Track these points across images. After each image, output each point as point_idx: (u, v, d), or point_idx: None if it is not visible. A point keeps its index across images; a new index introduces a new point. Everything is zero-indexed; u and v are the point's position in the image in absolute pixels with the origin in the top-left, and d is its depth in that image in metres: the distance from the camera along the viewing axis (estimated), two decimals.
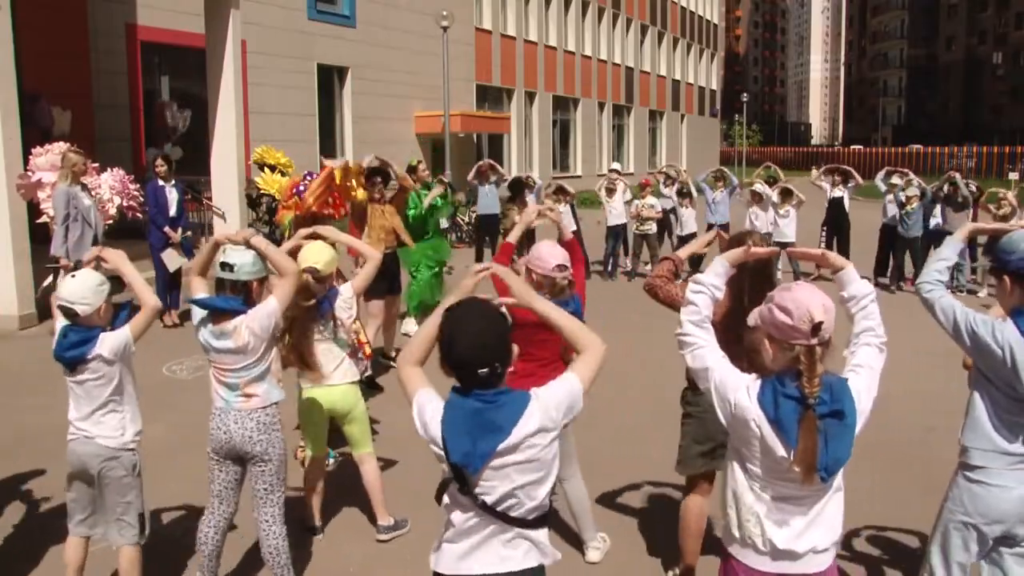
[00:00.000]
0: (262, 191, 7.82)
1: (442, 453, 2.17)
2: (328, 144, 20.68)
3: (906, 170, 13.21)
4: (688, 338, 2.41)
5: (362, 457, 4.31)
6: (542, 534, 2.27)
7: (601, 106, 36.76)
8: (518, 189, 12.85)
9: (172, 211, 9.28)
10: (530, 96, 30.69)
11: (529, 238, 12.17)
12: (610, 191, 13.25)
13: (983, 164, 41.13)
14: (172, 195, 9.30)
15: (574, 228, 12.62)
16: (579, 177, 31.57)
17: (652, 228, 12.96)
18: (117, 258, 3.43)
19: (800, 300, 2.17)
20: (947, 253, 3.05)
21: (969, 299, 10.76)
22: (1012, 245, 2.81)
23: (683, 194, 13.02)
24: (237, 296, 3.39)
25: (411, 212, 7.97)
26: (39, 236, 9.22)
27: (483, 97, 27.44)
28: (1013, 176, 24.57)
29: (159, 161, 9.43)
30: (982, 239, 10.66)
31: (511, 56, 29.29)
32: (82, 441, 3.32)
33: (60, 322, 3.30)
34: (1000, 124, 68.31)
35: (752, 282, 3.12)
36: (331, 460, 5.12)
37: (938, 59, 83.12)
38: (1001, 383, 2.77)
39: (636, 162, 38.98)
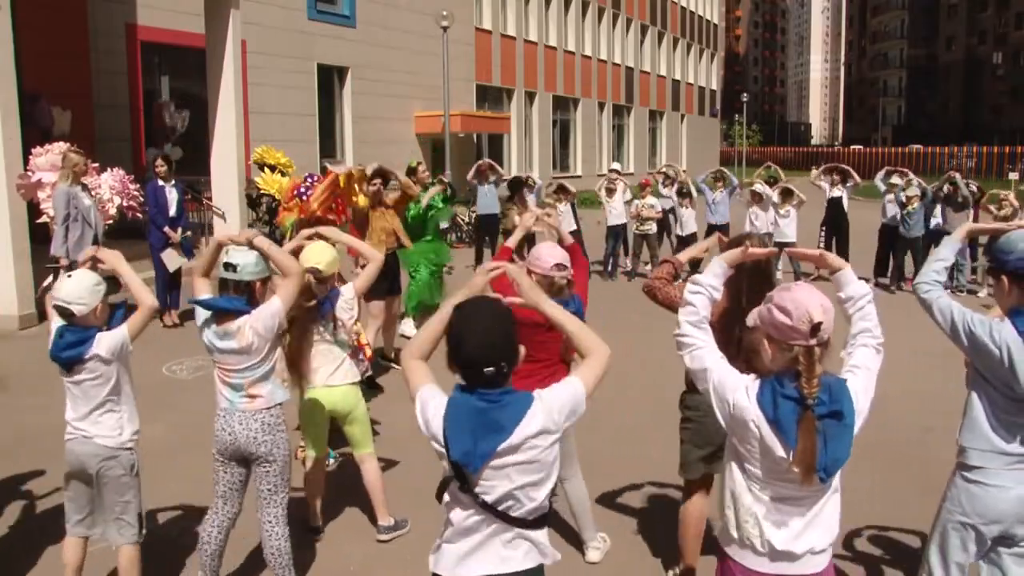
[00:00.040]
0: (262, 191, 7.82)
1: (443, 450, 2.18)
2: (328, 144, 20.69)
3: (905, 170, 13.21)
4: (686, 339, 2.42)
5: (363, 457, 4.31)
6: (542, 534, 2.27)
7: (601, 106, 36.77)
8: (517, 188, 12.86)
9: (172, 211, 9.28)
10: (530, 96, 30.69)
11: (529, 242, 12.21)
12: (610, 191, 13.25)
13: (983, 164, 41.13)
14: (172, 195, 9.30)
15: (574, 228, 12.63)
16: (579, 177, 31.56)
17: (652, 228, 12.96)
18: (113, 258, 3.43)
19: (799, 301, 2.18)
20: (945, 253, 3.06)
21: (969, 299, 10.76)
22: (1010, 245, 2.82)
23: (683, 194, 13.01)
24: (240, 296, 3.39)
25: (410, 213, 7.97)
26: (39, 236, 9.22)
27: (483, 97, 27.45)
28: (1013, 176, 24.59)
29: (159, 161, 9.43)
30: (983, 239, 10.66)
31: (511, 56, 29.29)
32: (80, 441, 3.32)
33: (56, 322, 3.30)
34: (1000, 124, 68.31)
35: (750, 283, 3.12)
36: (331, 460, 5.12)
37: (938, 59, 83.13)
38: (999, 383, 2.77)
39: (636, 162, 38.98)
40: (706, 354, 2.37)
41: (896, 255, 11.95)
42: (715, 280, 2.51)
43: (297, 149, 14.68)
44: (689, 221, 12.93)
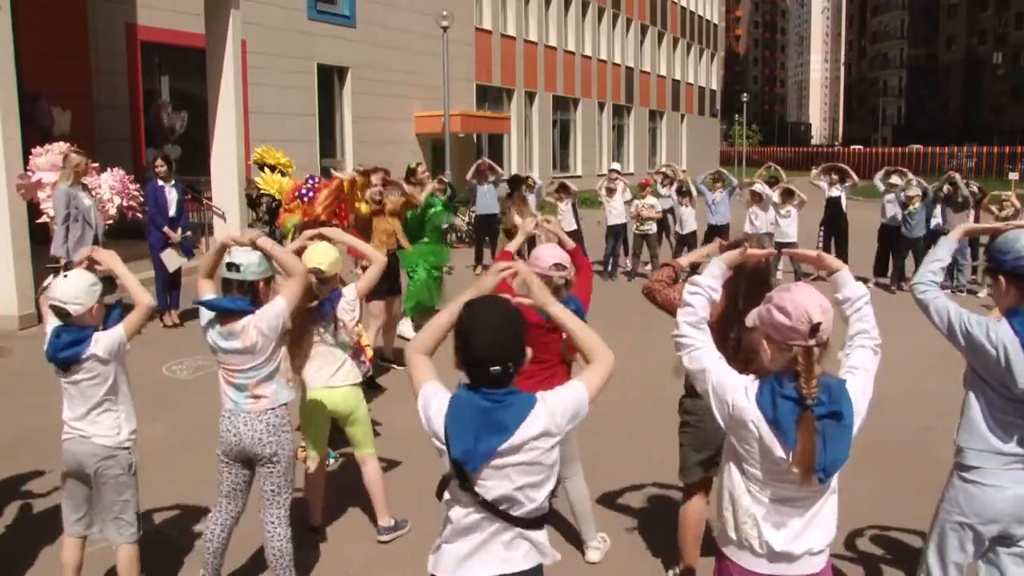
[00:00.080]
0: (262, 191, 7.81)
1: (443, 447, 2.18)
2: (328, 144, 20.69)
3: (904, 169, 13.19)
4: (685, 339, 2.42)
5: (364, 458, 4.32)
6: (542, 535, 2.27)
7: (601, 106, 36.76)
8: (516, 186, 12.88)
9: (172, 211, 9.27)
10: (530, 96, 30.69)
11: (529, 245, 12.19)
12: (610, 191, 13.25)
13: (983, 164, 41.11)
14: (172, 195, 9.30)
15: (574, 227, 12.64)
16: (579, 177, 31.56)
17: (652, 228, 12.96)
18: (109, 258, 3.43)
19: (799, 301, 2.18)
20: (941, 254, 3.06)
21: (969, 299, 10.76)
22: (1007, 245, 2.82)
23: (683, 193, 13.02)
24: (244, 296, 3.39)
25: (408, 212, 7.98)
26: (39, 236, 9.22)
27: (483, 97, 27.45)
28: (1013, 176, 24.58)
29: (159, 161, 9.43)
30: (984, 239, 10.65)
31: (511, 56, 29.29)
32: (78, 440, 3.32)
33: (51, 323, 3.30)
34: (1000, 124, 68.30)
35: (749, 285, 3.12)
36: (332, 460, 5.12)
37: (938, 59, 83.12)
38: (996, 383, 2.77)
39: (636, 162, 38.98)
40: (704, 355, 2.37)
41: (897, 255, 11.93)
42: (714, 281, 2.52)
43: (297, 149, 14.68)
44: (689, 220, 12.93)
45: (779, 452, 2.18)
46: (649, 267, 13.00)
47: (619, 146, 39.27)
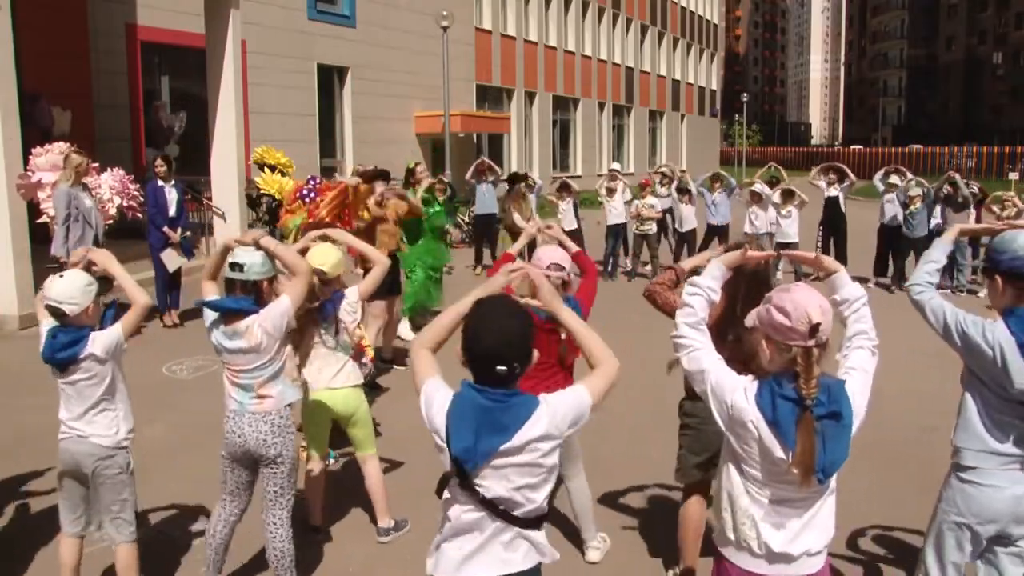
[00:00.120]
0: (262, 191, 7.83)
1: (443, 444, 2.18)
2: (328, 144, 20.68)
3: (903, 169, 13.17)
4: (684, 340, 2.42)
5: (365, 458, 4.32)
6: (541, 534, 2.28)
7: (601, 106, 36.76)
8: (515, 182, 12.89)
9: (171, 211, 9.27)
10: (530, 96, 30.69)
11: (530, 246, 12.18)
12: (610, 191, 13.25)
13: (983, 164, 41.13)
14: (172, 195, 9.30)
15: (575, 227, 12.64)
16: (579, 177, 31.56)
17: (652, 228, 12.96)
18: (105, 258, 3.44)
19: (798, 301, 2.18)
20: (936, 255, 3.06)
21: (970, 299, 10.76)
22: (1004, 245, 2.82)
23: (682, 190, 13.03)
24: (248, 296, 3.40)
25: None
26: (39, 236, 9.22)
27: (483, 97, 27.44)
28: (1013, 176, 24.60)
29: (159, 161, 9.43)
30: (985, 239, 10.65)
31: (511, 56, 29.28)
32: (75, 440, 3.32)
33: (46, 323, 3.30)
34: (1000, 124, 68.30)
35: (748, 287, 3.12)
36: (332, 460, 5.13)
37: (938, 59, 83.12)
38: (992, 383, 2.77)
39: (636, 162, 38.98)
40: (703, 355, 2.38)
41: (898, 256, 11.91)
42: (713, 282, 2.52)
43: (297, 149, 14.68)
44: (689, 217, 12.93)
45: (779, 452, 2.18)
46: (649, 267, 13.00)
47: (619, 146, 39.26)
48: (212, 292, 3.49)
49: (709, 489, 3.69)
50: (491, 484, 2.17)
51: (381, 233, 7.20)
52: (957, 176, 11.89)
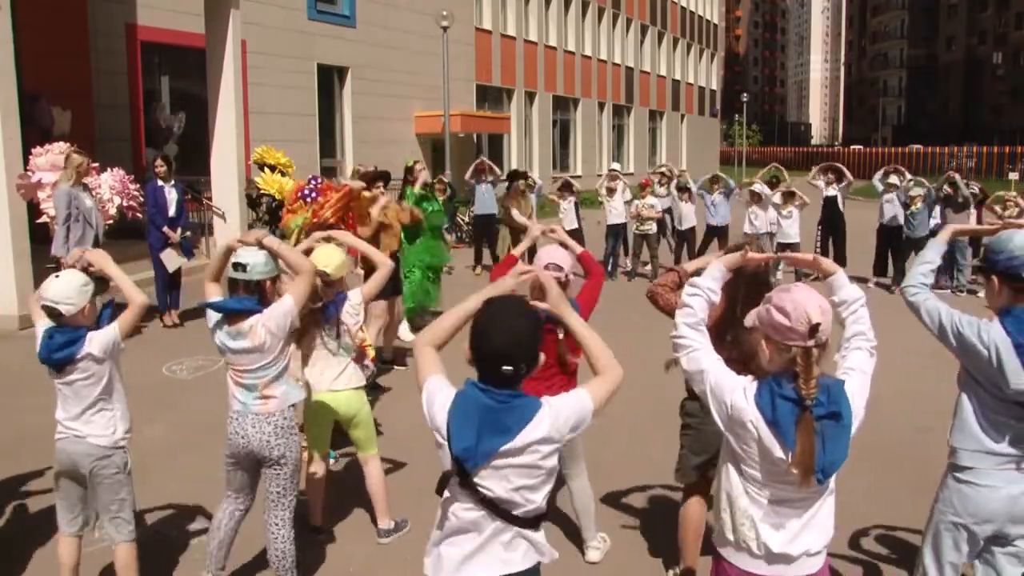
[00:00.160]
0: (262, 191, 7.81)
1: (444, 442, 2.18)
2: (328, 144, 20.68)
3: (902, 168, 13.15)
4: (683, 340, 2.42)
5: (367, 459, 4.32)
6: (540, 534, 2.28)
7: (601, 106, 36.75)
8: (515, 179, 12.91)
9: (171, 211, 9.27)
10: (530, 96, 30.69)
11: (531, 252, 12.07)
12: (610, 191, 13.26)
13: (983, 164, 41.11)
14: (171, 195, 9.30)
15: (576, 226, 12.64)
16: (579, 177, 31.56)
17: (652, 228, 12.97)
18: (101, 259, 3.44)
19: (798, 301, 2.18)
20: (931, 256, 3.06)
21: (970, 299, 10.75)
22: (1000, 245, 2.83)
23: (682, 188, 13.04)
24: (251, 296, 3.40)
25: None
26: (39, 236, 9.22)
27: (483, 97, 27.44)
28: (1013, 176, 24.60)
29: (159, 161, 9.43)
30: (986, 239, 10.61)
31: (511, 56, 29.28)
32: (72, 440, 3.32)
33: (41, 324, 3.30)
34: (1000, 124, 68.29)
35: (748, 288, 3.12)
36: (332, 460, 5.13)
37: (938, 59, 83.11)
38: (988, 383, 2.78)
39: (636, 162, 38.98)
40: (703, 356, 2.38)
41: (899, 256, 11.88)
42: (713, 283, 2.52)
43: (297, 149, 14.68)
44: (688, 215, 12.95)
45: (778, 453, 2.18)
46: (649, 267, 13.00)
47: (619, 146, 39.26)
48: (215, 293, 3.49)
49: (710, 489, 3.69)
50: (490, 484, 2.17)
51: (383, 235, 7.20)
52: (957, 176, 11.88)
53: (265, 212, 7.84)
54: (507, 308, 2.22)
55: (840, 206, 12.62)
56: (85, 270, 3.38)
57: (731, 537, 2.33)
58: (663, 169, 15.27)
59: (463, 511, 2.22)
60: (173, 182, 9.40)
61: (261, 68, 17.80)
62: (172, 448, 5.61)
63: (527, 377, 2.21)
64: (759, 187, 12.19)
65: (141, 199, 9.32)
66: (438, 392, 2.23)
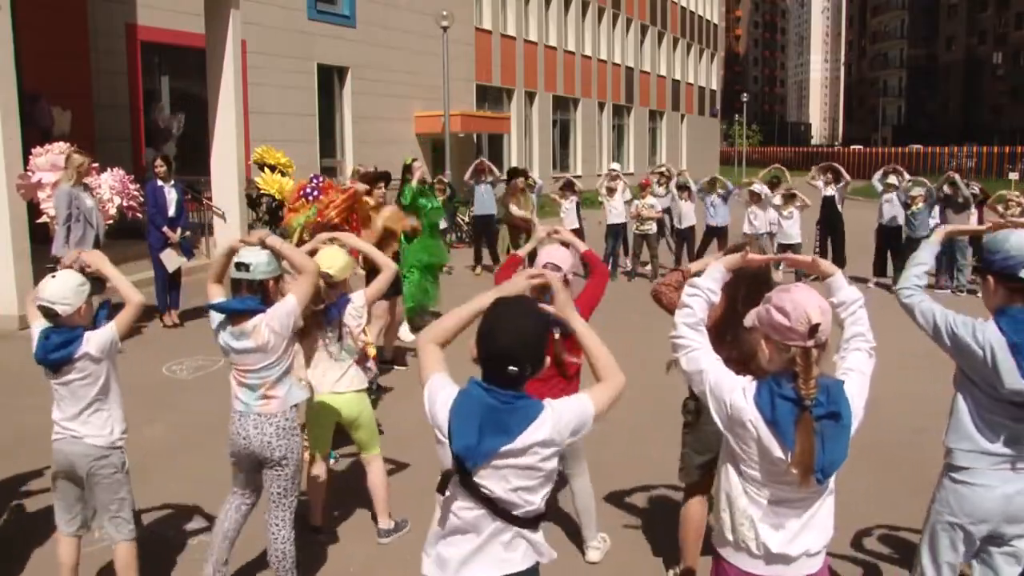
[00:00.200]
0: (262, 191, 7.81)
1: (444, 440, 2.18)
2: (328, 144, 20.69)
3: (900, 168, 13.13)
4: (682, 340, 2.42)
5: (369, 459, 4.33)
6: (539, 535, 2.28)
7: (601, 106, 36.76)
8: (514, 176, 12.92)
9: (171, 211, 9.28)
10: (530, 96, 30.69)
11: (531, 256, 12.01)
12: (611, 191, 13.27)
13: (983, 164, 41.08)
14: (171, 195, 9.30)
15: (576, 226, 12.65)
16: (579, 177, 31.55)
17: (652, 228, 12.98)
18: (98, 260, 3.44)
19: (798, 302, 2.18)
20: (924, 258, 3.07)
21: (970, 299, 10.75)
22: (996, 245, 2.83)
23: (682, 187, 13.06)
24: (254, 296, 3.40)
25: (403, 202, 8.03)
26: (39, 236, 9.22)
27: (483, 97, 27.45)
28: (1013, 176, 24.59)
29: (158, 161, 9.44)
30: (985, 238, 10.59)
31: (511, 56, 29.29)
32: (69, 441, 3.31)
33: (37, 324, 3.29)
34: (1000, 124, 68.29)
35: (749, 290, 3.11)
36: (332, 460, 5.13)
37: (938, 59, 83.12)
38: (983, 383, 2.78)
39: (636, 162, 38.98)
40: (702, 356, 2.38)
41: (899, 256, 11.86)
42: (713, 284, 2.52)
43: (297, 149, 14.68)
44: (688, 214, 12.95)
45: (777, 452, 2.18)
46: (649, 267, 13.00)
47: (619, 146, 39.26)
48: (218, 295, 3.50)
49: (711, 489, 3.69)
50: (489, 484, 2.17)
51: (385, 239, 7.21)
52: (957, 176, 11.86)
53: (265, 212, 7.84)
54: (516, 309, 2.22)
55: (838, 206, 12.61)
56: (82, 270, 3.38)
57: (730, 537, 2.33)
58: (662, 169, 15.28)
59: (463, 510, 2.22)
60: (173, 182, 9.40)
61: (261, 68, 17.81)
62: (172, 448, 5.61)
63: (531, 378, 2.21)
64: (758, 187, 12.19)
65: (141, 199, 9.31)
66: (440, 390, 2.23)
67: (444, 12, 19.22)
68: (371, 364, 4.70)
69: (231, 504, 3.66)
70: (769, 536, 2.26)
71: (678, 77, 45.55)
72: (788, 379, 2.18)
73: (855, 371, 2.33)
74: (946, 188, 11.74)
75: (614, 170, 14.25)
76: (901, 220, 11.90)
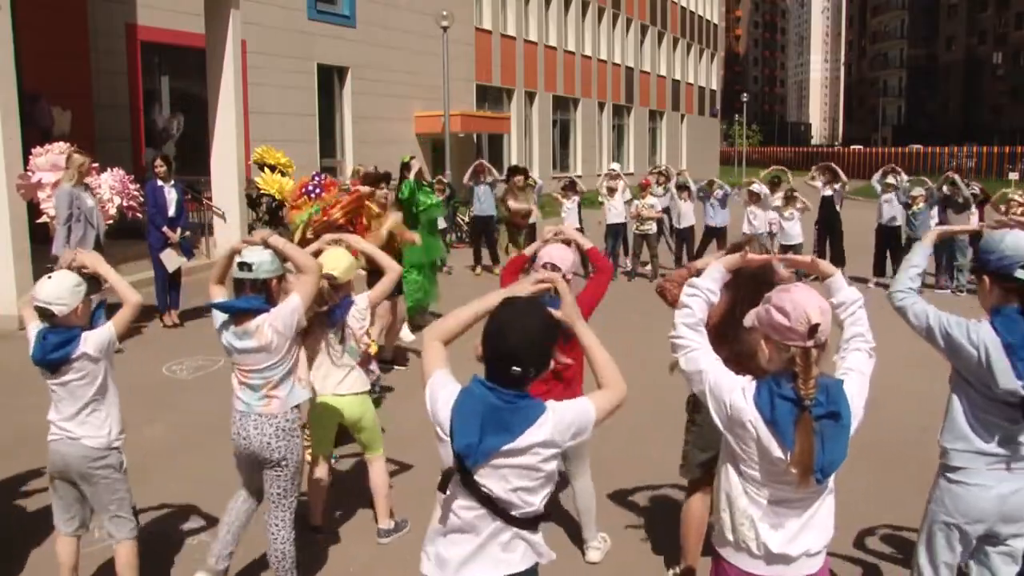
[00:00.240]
0: (262, 191, 7.81)
1: (445, 438, 2.18)
2: (328, 144, 20.69)
3: (898, 168, 13.12)
4: (681, 340, 2.43)
5: (372, 460, 4.32)
6: (538, 536, 2.28)
7: (601, 106, 36.77)
8: (513, 173, 12.94)
9: (171, 211, 9.27)
10: (530, 96, 30.69)
11: (532, 239, 12.08)
12: (611, 190, 13.28)
13: (983, 164, 41.08)
14: (171, 195, 9.30)
15: (578, 226, 12.65)
16: (580, 177, 31.54)
17: (652, 228, 12.99)
18: (94, 261, 3.44)
19: (798, 302, 2.19)
20: (917, 260, 3.07)
21: (970, 299, 10.75)
22: (992, 245, 2.84)
23: (681, 187, 13.06)
24: (258, 295, 3.40)
25: (401, 198, 8.04)
26: (39, 236, 9.22)
27: (483, 97, 27.45)
28: (1013, 176, 24.61)
29: (158, 161, 9.43)
30: (985, 235, 10.57)
31: (511, 56, 29.29)
32: (66, 442, 3.31)
33: (33, 325, 3.29)
34: (1000, 124, 68.30)
35: (751, 289, 3.11)
36: (332, 460, 5.12)
37: (938, 59, 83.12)
38: (978, 383, 2.79)
39: (636, 162, 38.99)
40: (701, 356, 2.38)
41: (899, 256, 11.86)
42: (712, 284, 2.52)
43: (297, 149, 14.68)
44: (687, 214, 12.96)
45: (777, 452, 2.19)
46: (649, 267, 13.01)
47: (619, 146, 39.27)
48: (220, 296, 3.50)
49: (713, 486, 3.69)
50: (489, 483, 2.17)
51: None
52: (957, 176, 11.86)
53: (265, 212, 7.84)
54: (523, 310, 2.23)
55: (837, 206, 12.62)
56: (78, 271, 3.37)
57: (730, 537, 2.33)
58: (660, 169, 15.30)
59: (463, 510, 2.22)
60: (173, 182, 9.40)
61: (261, 68, 17.81)
62: (172, 448, 5.61)
63: (535, 379, 2.22)
64: (758, 187, 12.19)
65: (141, 199, 9.32)
66: (442, 388, 2.24)
67: (444, 12, 19.23)
68: (374, 366, 4.71)
69: (239, 498, 3.70)
70: (769, 536, 2.26)
71: (678, 77, 45.56)
72: (788, 379, 2.18)
73: (855, 371, 2.34)
74: (946, 188, 11.74)
75: (614, 170, 14.26)
76: (900, 220, 11.91)
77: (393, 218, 6.99)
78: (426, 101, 23.07)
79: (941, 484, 2.93)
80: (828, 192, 12.62)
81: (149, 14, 15.65)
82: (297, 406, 3.57)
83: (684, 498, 3.82)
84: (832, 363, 2.36)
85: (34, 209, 8.86)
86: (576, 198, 13.17)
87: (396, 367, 7.61)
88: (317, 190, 6.24)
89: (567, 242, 3.98)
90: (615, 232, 13.20)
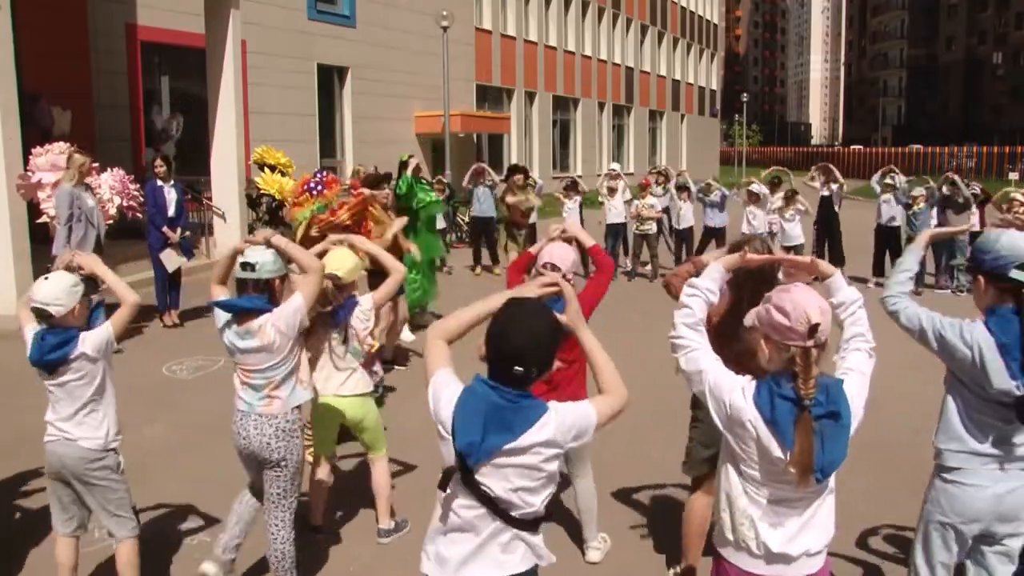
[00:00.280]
0: (262, 191, 7.82)
1: (447, 436, 2.18)
2: (328, 144, 20.69)
3: (895, 169, 13.12)
4: (681, 340, 2.43)
5: (375, 460, 4.32)
6: (538, 537, 2.28)
7: (601, 106, 36.77)
8: (513, 172, 12.94)
9: (171, 211, 9.27)
10: (530, 96, 30.70)
11: (531, 238, 12.11)
12: (611, 190, 13.28)
13: (983, 164, 41.08)
14: (171, 195, 9.30)
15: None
16: (580, 177, 31.55)
17: (652, 228, 12.98)
18: (91, 262, 3.44)
19: (798, 302, 2.19)
20: (908, 264, 3.08)
21: (970, 299, 10.73)
22: (987, 245, 2.84)
23: (681, 188, 13.07)
24: (261, 295, 3.40)
25: (399, 193, 8.04)
26: (39, 236, 9.22)
27: (483, 97, 27.46)
28: (1013, 176, 24.61)
29: (158, 161, 9.43)
30: (983, 234, 10.55)
31: (511, 56, 29.30)
32: (63, 443, 3.30)
33: (30, 326, 3.29)
34: (1000, 124, 68.30)
35: (752, 289, 3.11)
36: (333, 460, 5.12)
37: (938, 59, 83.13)
38: (972, 384, 2.79)
39: (636, 162, 39.00)
40: (701, 356, 2.38)
41: (898, 256, 11.85)
42: (712, 284, 2.52)
43: (297, 149, 14.69)
44: (687, 214, 12.98)
45: (777, 452, 2.19)
46: (649, 267, 13.01)
47: (619, 146, 39.28)
48: (222, 295, 3.49)
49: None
50: (490, 482, 2.18)
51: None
52: (956, 177, 11.85)
53: (265, 212, 7.85)
54: (528, 311, 2.23)
55: (835, 206, 12.62)
56: (75, 271, 3.37)
57: (731, 537, 2.33)
58: (660, 169, 15.31)
59: (463, 509, 2.22)
60: (173, 182, 9.40)
61: (261, 68, 17.82)
62: (172, 448, 5.61)
63: (537, 380, 2.22)
64: (757, 187, 12.19)
65: (141, 199, 9.32)
66: (445, 387, 2.24)
67: (444, 12, 19.24)
68: (378, 367, 4.69)
69: (243, 497, 3.73)
70: (769, 536, 2.26)
71: (678, 77, 45.56)
72: (788, 379, 2.18)
73: (855, 371, 2.34)
74: (946, 188, 11.73)
75: (614, 170, 14.27)
76: (899, 220, 11.91)
77: (398, 222, 6.99)
78: (426, 101, 23.08)
79: (936, 484, 2.93)
80: (826, 192, 12.63)
81: (149, 14, 15.65)
82: (298, 407, 3.57)
83: (686, 497, 3.82)
84: (832, 363, 2.36)
85: (34, 209, 8.86)
86: (578, 198, 13.19)
87: (396, 367, 7.61)
88: (319, 187, 6.24)
89: (569, 240, 3.97)
90: (615, 232, 13.20)
